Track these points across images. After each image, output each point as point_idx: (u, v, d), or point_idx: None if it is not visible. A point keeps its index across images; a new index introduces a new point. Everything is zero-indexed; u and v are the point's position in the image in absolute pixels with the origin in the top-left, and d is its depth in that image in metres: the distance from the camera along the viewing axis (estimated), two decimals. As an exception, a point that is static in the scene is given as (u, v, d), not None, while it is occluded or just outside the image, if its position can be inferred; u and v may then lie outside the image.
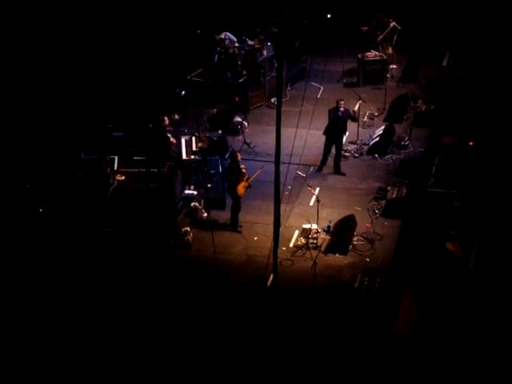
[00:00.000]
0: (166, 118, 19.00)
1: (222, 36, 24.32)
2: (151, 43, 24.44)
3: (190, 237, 17.03)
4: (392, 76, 24.86)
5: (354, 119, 20.27)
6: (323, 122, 21.68)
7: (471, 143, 19.54)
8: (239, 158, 17.51)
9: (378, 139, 20.64)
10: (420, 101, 23.06)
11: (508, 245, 15.94)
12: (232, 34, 24.51)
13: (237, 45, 24.26)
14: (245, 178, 17.33)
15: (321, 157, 19.83)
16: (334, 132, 19.43)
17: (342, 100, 19.54)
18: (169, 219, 17.23)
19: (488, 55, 24.16)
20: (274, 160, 12.09)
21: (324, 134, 19.66)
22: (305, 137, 20.03)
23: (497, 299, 14.73)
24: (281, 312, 14.45)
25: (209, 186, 18.52)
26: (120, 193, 18.35)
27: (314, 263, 15.34)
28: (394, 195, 18.33)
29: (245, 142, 20.78)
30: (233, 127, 21.58)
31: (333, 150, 19.75)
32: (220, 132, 20.85)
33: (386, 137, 20.68)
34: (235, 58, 24.16)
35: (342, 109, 19.27)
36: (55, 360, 13.79)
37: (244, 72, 24.13)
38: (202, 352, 13.92)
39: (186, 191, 18.31)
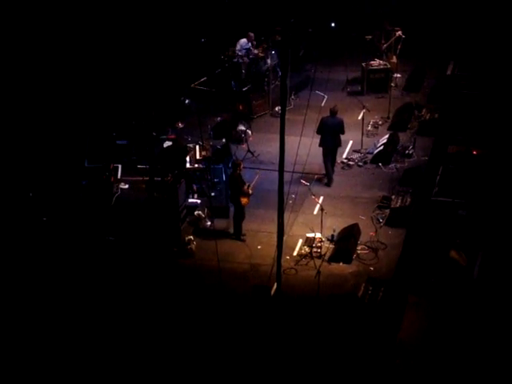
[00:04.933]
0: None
1: (237, 47, 24.34)
2: (155, 51, 24.46)
3: (193, 245, 17.00)
4: (396, 85, 24.86)
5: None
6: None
7: (475, 152, 19.49)
8: (241, 166, 17.50)
9: (382, 148, 20.63)
10: (424, 110, 23.05)
11: (512, 254, 15.91)
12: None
13: (241, 53, 24.30)
14: (246, 186, 17.32)
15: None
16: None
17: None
18: (172, 228, 17.22)
19: (492, 64, 24.16)
20: (277, 169, 12.08)
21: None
22: (309, 145, 20.08)
23: (501, 308, 14.67)
24: (284, 321, 14.42)
25: (212, 194, 18.50)
26: (123, 201, 18.34)
27: (318, 272, 15.30)
28: (398, 204, 18.28)
29: (249, 151, 20.78)
30: (237, 136, 21.59)
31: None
32: (224, 140, 20.86)
33: (390, 145, 20.67)
34: (239, 67, 24.20)
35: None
36: (57, 367, 13.77)
37: (248, 80, 24.16)
38: (206, 361, 13.88)
39: (190, 200, 18.30)
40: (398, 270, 16.24)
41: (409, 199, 18.36)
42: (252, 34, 24.52)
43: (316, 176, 19.66)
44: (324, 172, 19.69)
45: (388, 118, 22.80)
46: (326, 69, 24.42)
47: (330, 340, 14.26)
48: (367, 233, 17.37)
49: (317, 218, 17.42)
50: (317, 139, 20.39)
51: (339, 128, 19.63)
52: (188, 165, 18.85)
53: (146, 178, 18.55)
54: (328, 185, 19.65)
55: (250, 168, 18.98)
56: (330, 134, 19.54)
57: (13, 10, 22.48)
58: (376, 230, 17.48)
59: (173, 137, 19.63)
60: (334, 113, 19.68)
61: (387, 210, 18.24)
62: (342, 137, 21.14)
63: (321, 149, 20.32)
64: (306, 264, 16.58)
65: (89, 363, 13.88)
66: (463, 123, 21.18)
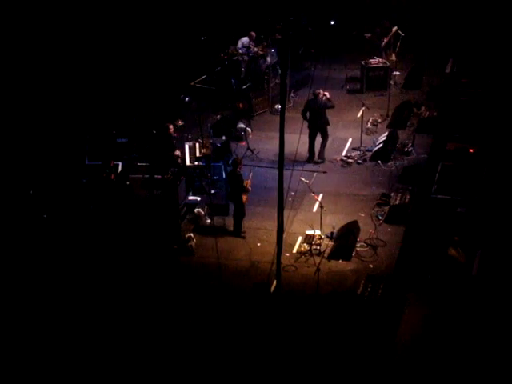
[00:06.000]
0: (171, 126, 19.03)
1: (239, 45, 24.46)
2: (155, 49, 24.51)
3: (193, 243, 17.04)
4: (395, 83, 24.89)
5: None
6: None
7: (471, 150, 19.52)
8: (241, 164, 17.54)
9: (381, 146, 20.65)
10: (423, 107, 23.08)
11: (511, 251, 15.93)
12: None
13: (241, 51, 24.36)
14: (245, 183, 17.40)
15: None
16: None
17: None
18: (172, 225, 17.26)
19: (491, 62, 24.19)
20: (277, 166, 12.12)
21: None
22: (308, 143, 20.17)
23: (500, 306, 14.71)
24: (284, 318, 14.47)
25: (212, 192, 18.54)
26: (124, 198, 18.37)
27: (318, 269, 15.33)
28: (398, 201, 18.33)
29: (248, 149, 20.81)
30: (236, 133, 21.62)
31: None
32: (224, 138, 20.88)
33: (390, 143, 20.69)
34: (239, 65, 24.23)
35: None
36: (56, 365, 13.82)
37: (248, 78, 24.20)
38: (205, 358, 13.92)
39: (190, 197, 18.34)
40: (397, 267, 16.28)
41: (408, 196, 18.40)
42: (254, 34, 24.60)
43: (315, 173, 19.66)
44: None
45: (387, 115, 22.83)
46: (325, 67, 24.50)
47: (329, 337, 14.30)
48: (366, 230, 17.39)
49: (316, 215, 17.46)
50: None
51: (324, 107, 20.35)
52: (188, 162, 18.90)
53: (146, 176, 18.59)
54: (309, 161, 20.42)
55: (248, 165, 18.96)
56: (316, 114, 20.29)
57: (13, 8, 22.55)
58: (375, 228, 17.52)
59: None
60: (315, 95, 20.34)
61: (386, 208, 18.28)
62: (342, 134, 21.33)
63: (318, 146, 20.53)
64: (306, 261, 16.61)
65: (89, 361, 13.92)
66: (462, 121, 21.20)
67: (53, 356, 14.00)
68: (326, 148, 20.64)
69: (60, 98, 21.98)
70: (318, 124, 20.33)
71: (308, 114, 20.31)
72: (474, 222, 16.86)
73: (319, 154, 20.58)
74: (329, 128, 20.58)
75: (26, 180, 18.31)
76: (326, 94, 20.40)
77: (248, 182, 17.53)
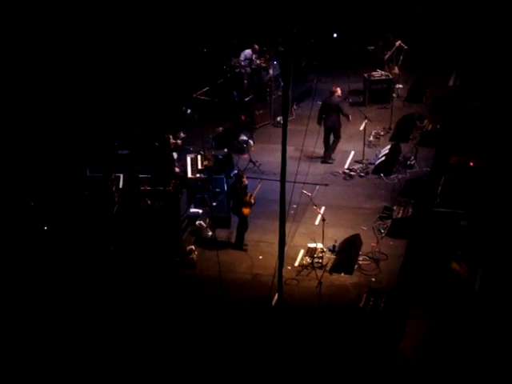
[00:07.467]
0: (171, 137, 19.01)
1: (241, 57, 24.52)
2: (157, 61, 24.51)
3: (194, 255, 16.98)
4: (398, 95, 24.89)
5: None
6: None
7: (472, 164, 19.46)
8: (244, 179, 17.40)
9: (383, 159, 20.62)
10: (426, 120, 23.06)
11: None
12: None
13: (243, 63, 24.38)
14: (248, 196, 17.29)
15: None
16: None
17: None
18: (174, 237, 17.20)
19: (495, 75, 24.17)
20: (279, 179, 12.07)
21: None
22: (310, 155, 20.13)
23: (502, 321, 14.63)
24: (285, 332, 14.39)
25: (214, 204, 18.48)
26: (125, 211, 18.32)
27: (319, 283, 15.27)
28: (400, 215, 18.26)
29: (250, 161, 20.78)
30: (238, 146, 21.60)
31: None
32: (226, 150, 20.85)
33: (392, 156, 20.66)
34: (241, 77, 24.23)
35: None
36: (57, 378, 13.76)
37: (250, 90, 24.20)
38: (206, 371, 13.84)
39: (191, 209, 18.29)
40: (399, 281, 16.21)
41: (410, 210, 18.33)
42: (257, 47, 24.65)
43: (318, 186, 19.59)
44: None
45: (390, 128, 22.81)
46: (327, 79, 24.48)
47: (331, 351, 14.22)
48: (369, 243, 17.32)
49: (318, 228, 17.40)
50: (318, 149, 20.52)
51: (337, 106, 20.79)
52: (190, 174, 18.86)
53: (147, 188, 18.54)
54: (326, 161, 21.02)
55: (252, 178, 18.92)
56: (329, 113, 20.78)
57: (15, 22, 22.58)
58: (378, 241, 17.44)
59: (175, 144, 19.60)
60: (331, 92, 21.00)
61: (389, 221, 18.21)
62: (344, 146, 21.31)
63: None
64: (308, 274, 16.54)
65: (89, 374, 13.85)
66: (465, 134, 21.16)
67: (53, 370, 13.95)
68: (335, 150, 21.10)
69: (61, 109, 21.97)
70: (327, 123, 20.71)
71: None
72: (476, 235, 16.79)
73: (328, 155, 21.00)
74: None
75: (27, 192, 18.28)
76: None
77: (252, 195, 17.43)
